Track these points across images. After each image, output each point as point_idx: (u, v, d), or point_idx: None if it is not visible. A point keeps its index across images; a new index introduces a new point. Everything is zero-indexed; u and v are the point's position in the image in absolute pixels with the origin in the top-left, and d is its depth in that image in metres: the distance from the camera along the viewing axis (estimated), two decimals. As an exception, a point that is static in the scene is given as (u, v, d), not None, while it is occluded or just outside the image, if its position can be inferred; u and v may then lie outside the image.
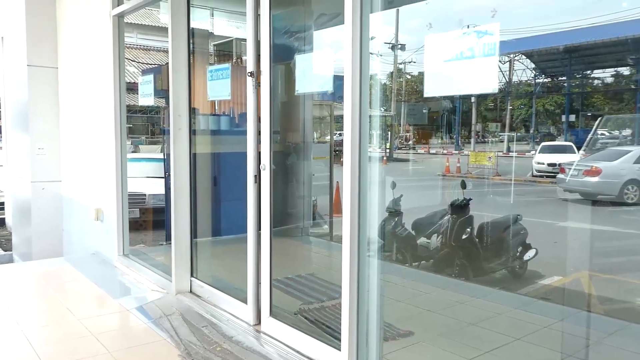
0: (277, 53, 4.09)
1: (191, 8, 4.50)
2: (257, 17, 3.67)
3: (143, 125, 24.71)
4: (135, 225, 7.39)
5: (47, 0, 6.97)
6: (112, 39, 5.46)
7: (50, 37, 7.02)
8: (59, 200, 7.14)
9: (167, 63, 4.51)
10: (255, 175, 3.71)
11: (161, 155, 8.71)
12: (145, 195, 8.31)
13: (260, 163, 3.65)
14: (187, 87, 4.47)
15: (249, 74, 3.70)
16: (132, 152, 14.64)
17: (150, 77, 5.44)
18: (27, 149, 7.05)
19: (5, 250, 8.54)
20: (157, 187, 7.92)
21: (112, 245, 5.67)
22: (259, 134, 3.69)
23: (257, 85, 3.70)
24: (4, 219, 10.92)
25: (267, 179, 3.62)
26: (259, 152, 3.71)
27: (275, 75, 4.58)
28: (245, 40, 3.84)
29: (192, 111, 4.51)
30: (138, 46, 16.72)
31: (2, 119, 10.78)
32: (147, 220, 8.16)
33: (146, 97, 5.52)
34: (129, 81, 5.94)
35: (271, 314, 3.64)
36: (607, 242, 6.35)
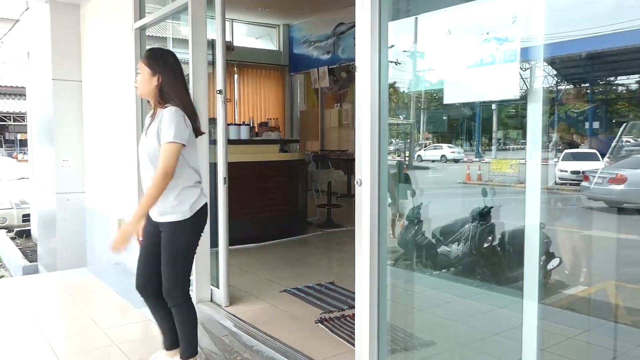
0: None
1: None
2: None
3: (164, 136, 24.99)
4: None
5: (72, 15, 7.13)
6: (134, 52, 5.55)
7: (75, 51, 7.18)
8: (83, 212, 7.25)
9: (187, 74, 4.55)
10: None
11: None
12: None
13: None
14: (207, 97, 4.51)
15: (218, 92, 4.20)
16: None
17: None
18: (52, 161, 7.18)
19: (30, 261, 8.68)
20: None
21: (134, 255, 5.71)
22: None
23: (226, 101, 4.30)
24: (29, 230, 11.12)
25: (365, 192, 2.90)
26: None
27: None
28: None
29: (211, 121, 4.54)
30: (159, 59, 16.93)
31: (28, 132, 11.01)
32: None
33: (167, 108, 5.58)
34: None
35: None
36: (634, 251, 6.19)
